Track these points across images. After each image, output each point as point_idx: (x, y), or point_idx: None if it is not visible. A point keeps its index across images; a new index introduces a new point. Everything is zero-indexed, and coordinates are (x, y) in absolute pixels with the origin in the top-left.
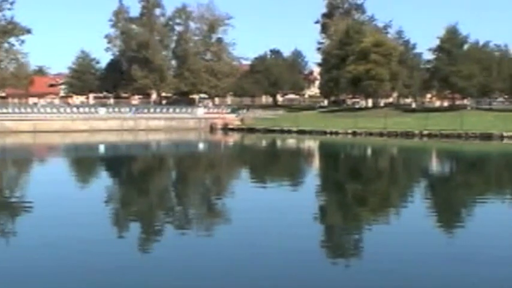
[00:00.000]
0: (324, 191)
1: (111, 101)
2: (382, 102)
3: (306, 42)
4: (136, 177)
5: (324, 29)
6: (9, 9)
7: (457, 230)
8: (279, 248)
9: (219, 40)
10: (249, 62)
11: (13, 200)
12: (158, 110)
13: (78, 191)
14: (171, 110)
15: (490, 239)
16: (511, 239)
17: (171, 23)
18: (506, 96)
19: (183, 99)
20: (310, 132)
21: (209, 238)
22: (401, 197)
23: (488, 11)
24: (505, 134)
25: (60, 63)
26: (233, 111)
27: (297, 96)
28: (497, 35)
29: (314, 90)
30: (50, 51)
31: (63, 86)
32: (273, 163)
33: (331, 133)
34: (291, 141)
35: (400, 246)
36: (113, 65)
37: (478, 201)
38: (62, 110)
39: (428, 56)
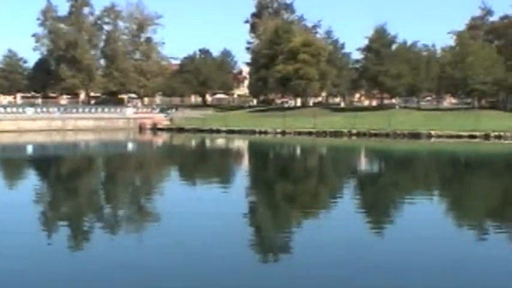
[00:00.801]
0: (254, 191)
1: (39, 100)
2: (311, 101)
3: (235, 41)
4: (64, 178)
5: (253, 28)
6: None
7: (384, 229)
8: (208, 247)
9: (148, 39)
10: (178, 62)
11: None
12: (87, 110)
13: (3, 192)
14: (99, 110)
15: (417, 237)
16: (436, 238)
17: (99, 22)
18: (434, 96)
19: (111, 99)
20: (239, 132)
21: (137, 239)
22: (330, 196)
23: (416, 11)
24: (432, 133)
25: None
26: (162, 111)
27: (226, 96)
28: (425, 35)
29: (243, 89)
30: None
31: None
32: (202, 163)
33: (260, 132)
34: (220, 141)
35: (329, 246)
36: (40, 64)
37: (406, 200)
38: None
39: (357, 55)
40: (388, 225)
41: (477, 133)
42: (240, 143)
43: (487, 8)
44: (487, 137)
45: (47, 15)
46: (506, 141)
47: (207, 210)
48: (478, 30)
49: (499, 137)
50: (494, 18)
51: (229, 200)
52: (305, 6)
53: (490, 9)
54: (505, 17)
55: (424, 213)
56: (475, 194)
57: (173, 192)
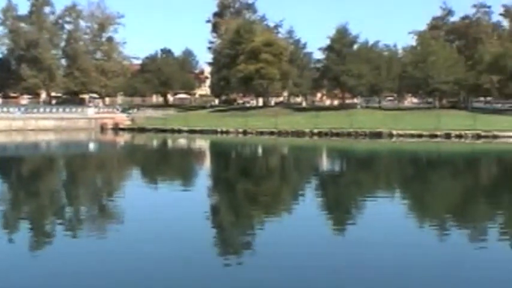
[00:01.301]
0: (215, 191)
1: None
2: (272, 101)
3: (197, 41)
4: (24, 179)
5: (215, 28)
6: None
7: (346, 228)
8: (170, 248)
9: (110, 39)
10: (139, 62)
11: None
12: (48, 110)
13: None
14: (60, 110)
15: (379, 236)
16: (398, 236)
17: (60, 21)
18: (395, 95)
19: (73, 99)
20: (201, 132)
21: (98, 240)
22: (292, 196)
23: (378, 11)
24: (394, 132)
25: None
26: (124, 111)
27: (188, 96)
28: (387, 35)
29: (205, 89)
30: None
31: None
32: (164, 163)
33: (222, 132)
34: (182, 141)
35: (291, 246)
36: (1, 64)
37: (368, 199)
38: None
39: (319, 55)
40: (350, 224)
41: (438, 132)
42: (202, 143)
43: (448, 8)
44: (447, 136)
45: (7, 14)
46: (467, 141)
47: (168, 212)
48: (439, 30)
49: (459, 136)
50: (455, 18)
51: (190, 201)
52: (267, 6)
53: (451, 9)
54: (466, 17)
55: (385, 212)
56: (436, 192)
57: (134, 194)
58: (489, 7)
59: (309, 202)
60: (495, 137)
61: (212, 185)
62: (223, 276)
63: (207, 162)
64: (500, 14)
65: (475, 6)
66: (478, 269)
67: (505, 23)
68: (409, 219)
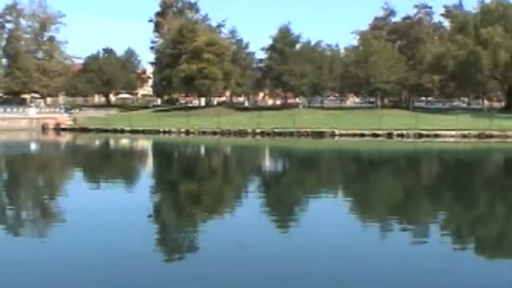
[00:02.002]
0: (158, 191)
1: None
2: (215, 101)
3: (140, 41)
4: None
5: (158, 28)
6: None
7: (288, 227)
8: (109, 249)
9: (51, 38)
10: (81, 61)
11: None
12: None
13: None
14: (1, 110)
15: (320, 234)
16: (340, 235)
17: (1, 20)
18: (337, 95)
19: (14, 98)
20: (143, 132)
21: (39, 241)
22: (235, 195)
23: (320, 11)
24: (336, 131)
25: None
26: (66, 111)
27: (130, 96)
28: (329, 35)
29: (147, 89)
30: None
31: None
32: (106, 163)
33: (164, 132)
34: (124, 141)
35: (233, 247)
36: None
37: (310, 198)
38: None
39: (261, 55)
40: (292, 223)
41: (380, 132)
42: (144, 143)
43: (390, 8)
44: (389, 135)
45: None
46: (409, 140)
47: (109, 212)
48: (381, 31)
49: (401, 135)
50: (396, 18)
51: (131, 202)
52: (209, 6)
53: (393, 9)
54: (407, 17)
55: (328, 211)
56: (378, 191)
57: (74, 194)
58: (430, 8)
59: (252, 202)
60: (436, 136)
61: (154, 185)
62: (164, 276)
63: (150, 162)
64: (441, 15)
65: (416, 6)
66: (421, 268)
67: (446, 23)
68: (351, 219)
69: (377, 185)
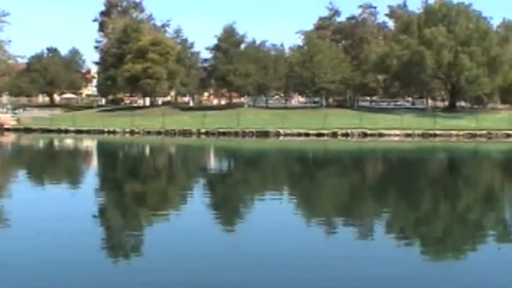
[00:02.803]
0: (102, 192)
1: None
2: (160, 100)
3: (84, 40)
4: None
5: (102, 27)
6: None
7: (234, 226)
8: (53, 251)
9: None
10: (25, 61)
11: None
12: None
13: None
14: None
15: (265, 233)
16: (285, 234)
17: None
18: (282, 95)
19: None
20: (88, 132)
21: None
22: (180, 195)
23: (266, 11)
24: (281, 131)
25: None
26: (9, 110)
27: (75, 96)
28: (274, 34)
29: (92, 89)
30: None
31: None
32: (50, 164)
33: (109, 132)
34: (69, 141)
35: (178, 247)
36: None
37: (256, 198)
38: None
39: (206, 54)
40: (237, 222)
41: (325, 131)
42: (89, 143)
43: (334, 8)
44: (334, 135)
45: None
46: (353, 139)
47: (53, 214)
48: (325, 30)
49: (346, 135)
50: (341, 18)
51: (76, 203)
52: (154, 5)
53: (337, 9)
54: (352, 17)
55: (272, 210)
56: (323, 191)
57: (16, 195)
58: (375, 8)
59: (197, 201)
60: (381, 135)
61: (99, 186)
62: (108, 278)
63: (94, 163)
64: (386, 15)
65: (361, 6)
66: (366, 267)
67: (390, 23)
68: (297, 219)
69: (322, 185)
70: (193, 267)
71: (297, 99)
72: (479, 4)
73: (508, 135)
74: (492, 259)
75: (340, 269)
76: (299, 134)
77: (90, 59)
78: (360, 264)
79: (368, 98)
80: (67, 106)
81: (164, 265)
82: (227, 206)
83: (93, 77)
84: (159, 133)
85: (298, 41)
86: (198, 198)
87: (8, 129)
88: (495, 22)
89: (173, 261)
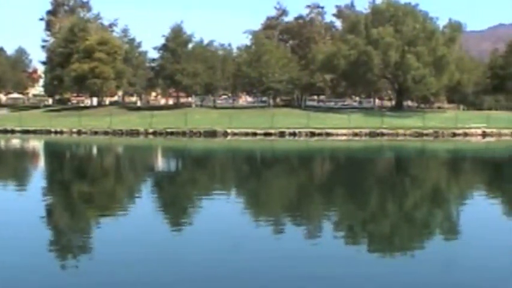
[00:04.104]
0: (49, 193)
1: None
2: (107, 100)
3: (30, 40)
4: None
5: (49, 26)
6: None
7: (182, 225)
8: (3, 251)
9: None
10: None
11: None
12: None
13: None
14: None
15: (213, 232)
16: (233, 233)
17: None
18: (230, 94)
19: None
20: (34, 132)
21: None
22: (128, 195)
23: (213, 10)
24: (228, 131)
25: None
26: None
27: (21, 96)
28: (222, 34)
29: (38, 89)
30: None
31: None
32: None
33: (56, 132)
34: (15, 142)
35: (127, 247)
36: None
37: (204, 197)
38: None
39: (154, 54)
40: (185, 222)
41: (272, 131)
42: (36, 143)
43: (282, 8)
44: (282, 134)
45: None
46: (301, 139)
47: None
48: (273, 30)
49: (293, 134)
50: (289, 18)
51: (22, 204)
52: (101, 5)
53: (285, 9)
54: (300, 17)
55: (220, 210)
56: (271, 190)
57: None
58: (322, 8)
59: (145, 201)
60: (328, 134)
61: (45, 187)
62: (57, 280)
63: (41, 163)
64: (333, 15)
65: (308, 6)
66: (314, 266)
67: (338, 23)
68: (244, 217)
69: (270, 185)
70: (140, 268)
71: (245, 99)
72: (426, 4)
73: (455, 134)
74: (437, 256)
75: (288, 269)
76: (247, 134)
77: (37, 58)
78: (308, 263)
79: (315, 97)
80: (13, 106)
81: (112, 266)
82: (175, 206)
83: (40, 77)
84: (106, 133)
85: (246, 40)
86: (146, 199)
87: None
88: (441, 22)
89: (120, 262)
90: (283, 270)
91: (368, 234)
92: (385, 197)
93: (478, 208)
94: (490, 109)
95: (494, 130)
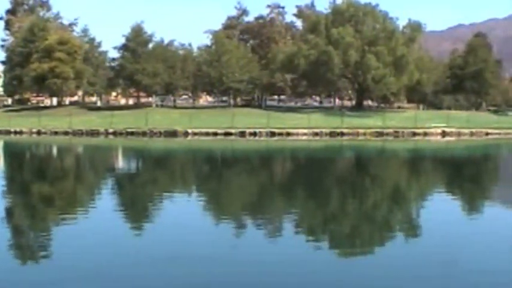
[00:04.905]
0: (8, 193)
1: None
2: (67, 100)
3: None
4: None
5: (8, 25)
6: None
7: (142, 225)
8: None
9: None
10: None
11: None
12: None
13: None
14: None
15: (174, 232)
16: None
17: None
18: (190, 94)
19: None
20: None
21: None
22: (88, 195)
23: (174, 10)
24: (189, 130)
25: None
26: None
27: None
28: (182, 34)
29: None
30: None
31: None
32: None
33: (15, 132)
34: None
35: (91, 246)
36: None
37: (165, 197)
38: None
39: (114, 54)
40: (144, 223)
41: (233, 130)
42: None
43: (243, 8)
44: (242, 134)
45: None
46: (261, 138)
47: None
48: (233, 30)
49: (254, 134)
50: (249, 18)
51: None
52: (61, 4)
53: (246, 9)
54: (260, 17)
55: (180, 210)
56: (231, 190)
57: None
58: (283, 7)
59: (105, 202)
60: (288, 134)
61: (4, 188)
62: (16, 279)
63: (0, 164)
64: (294, 15)
65: (269, 6)
66: (275, 266)
67: (298, 23)
68: (204, 218)
69: (230, 185)
70: (100, 265)
71: (205, 99)
72: (386, 5)
73: (415, 134)
74: (398, 254)
75: (248, 269)
76: (207, 134)
77: None
78: (269, 263)
79: (276, 97)
80: None
81: (72, 262)
82: (134, 206)
83: None
84: (66, 133)
85: (207, 40)
86: (105, 199)
87: None
88: (401, 22)
89: (80, 259)
90: (244, 270)
91: (328, 234)
92: (345, 197)
93: (438, 207)
94: (449, 109)
95: (453, 130)
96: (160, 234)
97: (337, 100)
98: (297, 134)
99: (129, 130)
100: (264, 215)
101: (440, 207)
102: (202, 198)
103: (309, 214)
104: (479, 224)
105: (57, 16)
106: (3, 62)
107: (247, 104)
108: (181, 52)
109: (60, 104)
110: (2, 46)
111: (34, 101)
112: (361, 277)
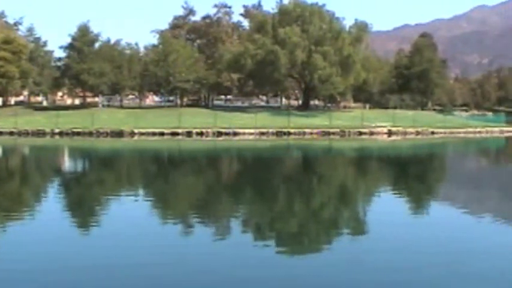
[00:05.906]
0: None
1: None
2: (12, 100)
3: None
4: None
5: None
6: None
7: (90, 226)
8: None
9: None
10: None
11: None
12: None
13: None
14: None
15: (122, 232)
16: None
17: None
18: (137, 94)
19: None
20: None
21: None
22: (34, 197)
23: (121, 10)
24: (135, 130)
25: None
26: None
27: None
28: (129, 33)
29: None
30: None
31: None
32: None
33: None
34: None
35: (33, 247)
36: None
37: (111, 198)
38: None
39: (60, 53)
40: (91, 224)
41: (179, 130)
42: None
43: (190, 7)
44: (189, 134)
45: None
46: (208, 138)
47: None
48: (180, 30)
49: (200, 134)
50: (196, 17)
51: None
52: (6, 3)
53: (193, 9)
54: (207, 16)
55: (127, 211)
56: (178, 190)
57: None
58: (230, 7)
59: (51, 203)
60: (235, 134)
61: None
62: None
63: None
64: (241, 14)
65: (216, 6)
66: (225, 267)
67: (245, 23)
68: (151, 218)
69: (177, 185)
70: (44, 267)
71: (152, 99)
72: (333, 5)
73: (361, 133)
74: (345, 253)
75: (196, 271)
76: (154, 134)
77: None
78: (218, 265)
79: (223, 97)
80: None
81: (15, 265)
82: (81, 207)
83: None
84: (11, 133)
85: (153, 40)
86: (51, 200)
87: None
88: (348, 22)
89: (23, 261)
90: (192, 271)
91: (277, 233)
92: (292, 196)
93: (383, 205)
94: (395, 108)
95: (399, 129)
96: (102, 235)
97: (284, 100)
98: (244, 134)
99: (75, 130)
100: (210, 215)
101: (385, 206)
102: (149, 198)
103: (255, 214)
104: (419, 226)
105: (1, 15)
106: None
107: (194, 104)
108: (128, 52)
109: (5, 104)
110: None
111: None
112: (306, 280)
